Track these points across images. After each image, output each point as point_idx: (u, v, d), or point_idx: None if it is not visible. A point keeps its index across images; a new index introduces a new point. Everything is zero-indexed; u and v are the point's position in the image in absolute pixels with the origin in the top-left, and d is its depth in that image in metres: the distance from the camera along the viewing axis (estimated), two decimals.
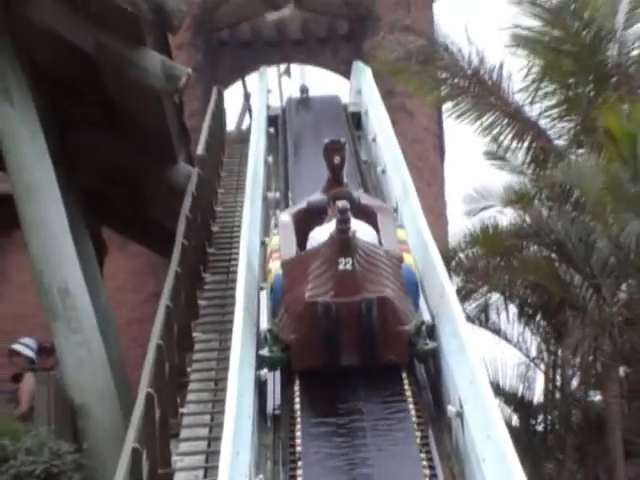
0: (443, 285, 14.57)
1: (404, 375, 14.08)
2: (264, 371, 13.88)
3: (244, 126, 30.52)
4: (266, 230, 18.05)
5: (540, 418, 25.16)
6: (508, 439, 10.86)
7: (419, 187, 19.26)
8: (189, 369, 16.34)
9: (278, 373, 14.26)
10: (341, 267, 13.73)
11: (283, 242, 15.62)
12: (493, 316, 24.67)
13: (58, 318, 17.49)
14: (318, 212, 15.46)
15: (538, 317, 24.36)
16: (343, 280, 13.76)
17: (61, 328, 17.49)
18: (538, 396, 25.20)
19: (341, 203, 13.61)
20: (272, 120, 26.30)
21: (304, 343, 13.98)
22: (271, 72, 32.67)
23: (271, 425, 13.50)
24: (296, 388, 13.95)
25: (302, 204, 16.55)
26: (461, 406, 12.40)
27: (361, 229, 14.39)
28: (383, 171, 20.60)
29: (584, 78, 23.95)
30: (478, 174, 25.44)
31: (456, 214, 25.97)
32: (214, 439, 13.59)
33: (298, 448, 12.72)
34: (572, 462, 23.95)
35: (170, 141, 21.20)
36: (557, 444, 24.17)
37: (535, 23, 24.40)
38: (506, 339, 24.82)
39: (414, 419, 13.20)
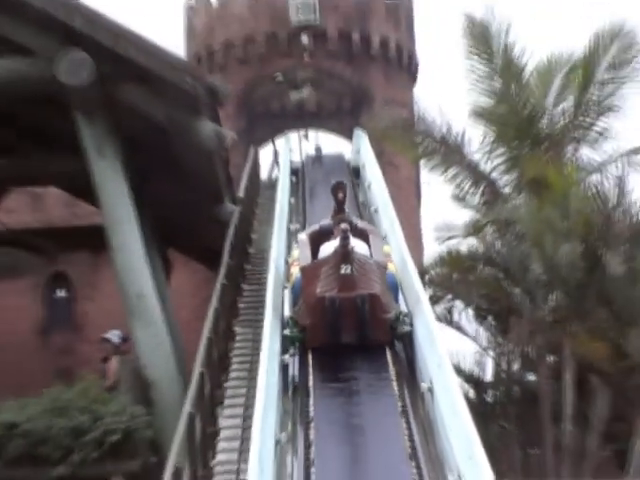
0: (418, 293, 14.63)
1: (388, 351, 14.44)
2: (287, 356, 14.14)
3: (273, 176, 30.41)
4: (289, 252, 17.95)
5: (490, 393, 25.08)
6: (465, 408, 10.87)
7: (402, 221, 19.23)
8: (231, 354, 16.32)
9: (297, 361, 14.39)
10: (342, 272, 14.29)
11: (301, 254, 16.11)
12: (456, 317, 24.59)
13: (135, 316, 17.54)
14: (327, 233, 15.91)
15: (489, 318, 24.30)
16: (344, 281, 14.32)
17: (137, 323, 17.55)
18: (489, 376, 25.10)
19: (343, 226, 14.45)
20: (294, 171, 26.42)
21: (316, 326, 14.46)
22: (293, 136, 32.69)
23: (291, 395, 13.64)
24: (309, 360, 14.30)
25: (315, 227, 16.84)
26: (431, 383, 12.39)
27: (357, 245, 14.88)
28: (375, 210, 20.60)
29: (523, 144, 23.91)
30: (445, 211, 25.44)
31: (429, 241, 25.92)
32: (249, 406, 13.54)
33: (311, 408, 12.92)
34: (513, 426, 23.88)
35: (219, 186, 21.19)
36: (502, 412, 24.08)
37: (488, 102, 24.39)
38: (465, 334, 24.73)
39: (394, 383, 13.52)
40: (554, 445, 21.97)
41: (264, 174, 31.68)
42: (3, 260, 22.80)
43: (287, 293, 15.98)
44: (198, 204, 21.75)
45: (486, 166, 24.38)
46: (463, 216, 24.28)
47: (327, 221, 16.50)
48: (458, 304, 24.28)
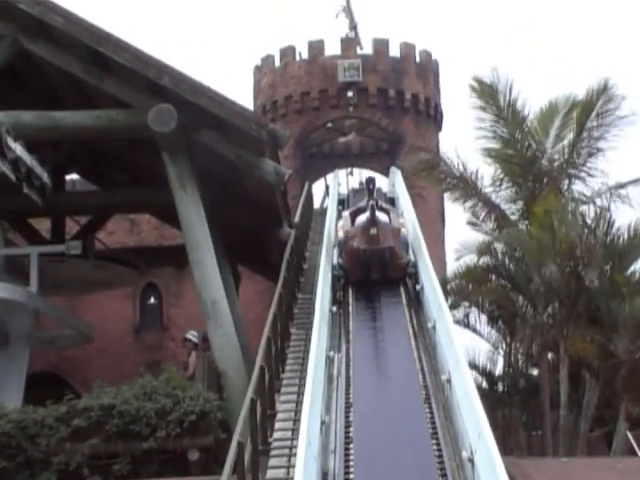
0: (440, 301, 14.61)
1: (401, 285, 17.83)
2: (334, 307, 16.91)
3: (324, 205, 30.38)
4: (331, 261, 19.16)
5: (500, 384, 24.89)
6: (477, 396, 10.80)
7: (428, 242, 19.25)
8: (287, 351, 16.28)
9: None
10: (370, 232, 17.74)
11: (344, 223, 19.53)
12: (472, 321, 24.45)
13: (210, 318, 17.53)
14: (361, 210, 18.76)
15: (499, 322, 24.14)
16: (371, 239, 17.74)
17: (211, 324, 17.53)
18: (499, 370, 24.94)
19: (371, 202, 17.85)
20: (340, 201, 26.34)
21: (353, 267, 17.98)
22: (341, 173, 32.75)
23: (337, 309, 16.89)
24: (350, 289, 17.76)
25: (354, 207, 20.20)
26: (449, 375, 12.34)
27: (380, 216, 18.19)
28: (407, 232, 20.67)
29: (526, 179, 23.79)
30: (464, 234, 25.39)
31: (451, 259, 25.84)
32: (301, 393, 13.45)
33: (350, 317, 16.47)
34: (519, 411, 23.71)
35: (278, 213, 21.17)
36: (510, 400, 23.91)
37: (496, 145, 24.34)
38: (480, 335, 24.58)
39: (405, 306, 16.86)
40: (553, 427, 21.76)
41: (316, 204, 31.68)
42: (105, 274, 22.88)
43: (336, 249, 19.13)
44: (261, 228, 21.77)
45: (496, 198, 24.26)
46: (477, 238, 24.21)
47: (362, 203, 19.31)
48: (474, 310, 24.15)
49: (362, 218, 18.23)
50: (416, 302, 16.93)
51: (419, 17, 67.51)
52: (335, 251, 19.07)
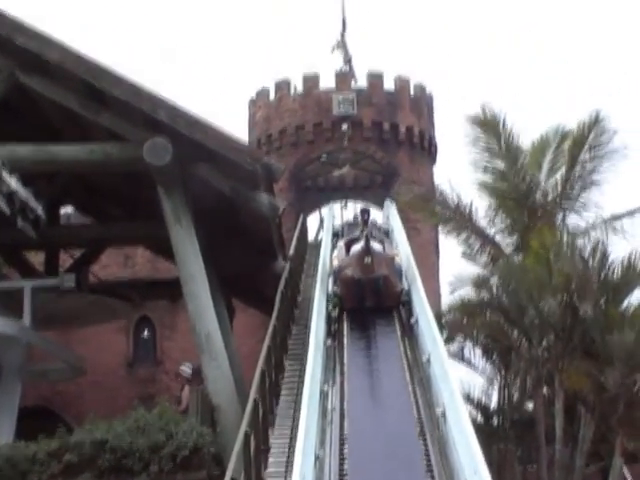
0: (434, 334, 14.62)
1: (394, 313, 18.23)
2: (332, 313, 18.03)
3: (319, 238, 30.39)
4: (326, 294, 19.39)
5: (495, 418, 24.78)
6: (472, 430, 10.77)
7: (423, 275, 19.34)
8: (281, 384, 16.25)
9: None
10: (365, 261, 18.16)
11: (339, 252, 20.17)
12: (467, 354, 24.35)
13: (204, 351, 17.49)
14: (355, 240, 19.44)
15: (494, 355, 24.07)
16: (366, 268, 18.15)
17: (205, 358, 17.49)
18: (494, 404, 24.80)
19: (365, 232, 18.58)
20: (335, 234, 26.35)
21: (348, 295, 18.37)
22: (335, 206, 32.73)
23: (331, 342, 17.22)
24: (344, 316, 18.16)
25: (348, 237, 20.94)
26: (444, 408, 12.31)
27: (374, 245, 18.74)
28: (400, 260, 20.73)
29: (521, 212, 23.84)
30: (459, 266, 25.38)
31: (446, 292, 25.79)
32: (295, 427, 13.42)
33: (345, 344, 16.80)
34: (514, 445, 23.59)
35: (273, 246, 21.19)
36: (505, 434, 23.77)
37: (491, 179, 24.37)
38: (475, 369, 24.49)
39: (398, 330, 17.38)
40: (548, 462, 21.65)
41: (311, 237, 31.69)
42: (98, 307, 22.85)
43: (331, 278, 19.73)
44: (256, 260, 21.77)
45: (491, 230, 24.28)
46: (472, 270, 24.17)
47: (356, 233, 20.24)
48: (468, 343, 24.07)
49: (357, 247, 18.79)
50: (410, 332, 17.13)
51: (414, 49, 67.88)
52: (330, 280, 19.65)
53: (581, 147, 23.67)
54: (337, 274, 19.15)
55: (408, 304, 18.02)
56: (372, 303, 18.24)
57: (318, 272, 20.52)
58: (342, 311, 18.37)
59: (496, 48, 64.31)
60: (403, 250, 21.33)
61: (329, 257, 21.48)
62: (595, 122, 23.75)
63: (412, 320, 17.30)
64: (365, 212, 20.09)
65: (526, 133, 24.55)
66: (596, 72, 68.36)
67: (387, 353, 16.22)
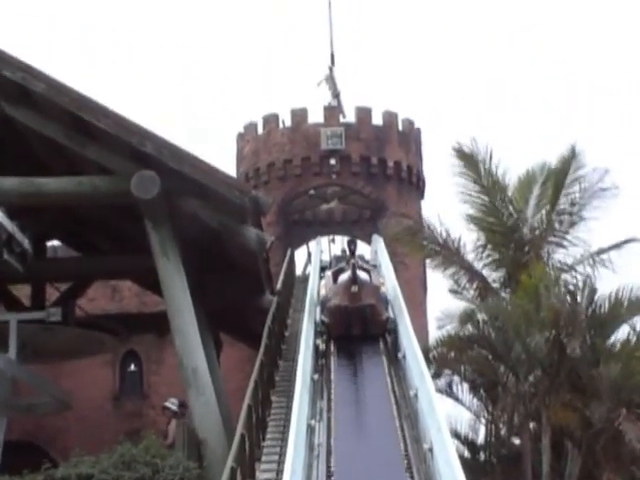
0: (422, 369, 14.60)
1: (380, 340, 18.68)
2: (319, 341, 18.39)
3: (307, 272, 30.40)
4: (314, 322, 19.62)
5: (482, 453, 24.72)
6: (459, 465, 10.74)
7: (410, 309, 19.34)
8: (268, 419, 16.20)
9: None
10: (352, 290, 18.67)
11: (327, 282, 20.52)
12: (454, 389, 24.30)
13: (191, 386, 17.40)
14: (343, 269, 19.85)
15: (481, 391, 24.04)
16: (353, 296, 18.67)
17: (192, 392, 17.40)
18: (481, 439, 24.77)
19: (353, 261, 19.03)
20: (322, 268, 26.34)
21: (335, 324, 18.78)
22: (323, 240, 32.75)
23: (320, 365, 17.58)
24: (331, 344, 18.56)
25: (336, 268, 21.30)
26: (431, 444, 12.27)
27: (361, 275, 19.18)
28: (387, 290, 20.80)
29: (508, 247, 23.91)
30: (446, 301, 25.44)
31: (433, 327, 25.79)
32: (281, 462, 13.38)
33: (332, 371, 17.10)
34: None
35: (260, 280, 21.16)
36: (491, 469, 23.73)
37: (478, 213, 24.45)
38: (462, 404, 24.44)
39: (384, 357, 17.81)
40: None
41: (299, 271, 31.69)
42: (85, 340, 22.75)
43: (318, 308, 19.92)
44: (243, 295, 21.72)
45: (479, 265, 24.34)
46: (459, 306, 24.19)
47: (343, 263, 20.71)
48: (455, 378, 24.05)
49: (344, 277, 19.36)
50: (396, 364, 17.31)
51: (402, 83, 68.22)
52: (318, 309, 19.97)
53: (563, 181, 23.83)
54: (325, 303, 19.53)
55: (394, 332, 18.44)
56: (359, 331, 18.72)
57: (306, 304, 20.51)
58: (330, 339, 18.80)
59: (496, 49, 64.28)
60: (390, 284, 21.39)
61: (316, 293, 21.52)
62: (572, 156, 23.93)
63: (400, 355, 17.32)
64: (352, 242, 20.32)
65: (517, 166, 24.75)
66: (596, 72, 68.75)
67: (374, 388, 16.17)
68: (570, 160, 23.90)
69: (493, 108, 73.88)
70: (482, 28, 76.00)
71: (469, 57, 78.04)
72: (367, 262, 24.96)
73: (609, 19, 74.15)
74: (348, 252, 20.25)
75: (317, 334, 18.69)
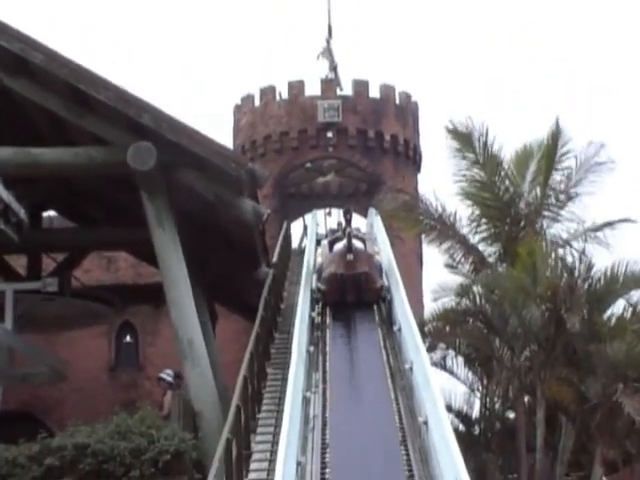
0: (417, 344, 14.61)
1: (375, 307, 19.14)
2: (314, 313, 18.80)
3: (302, 245, 30.41)
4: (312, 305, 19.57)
5: (476, 427, 24.82)
6: (454, 439, 10.78)
7: (406, 284, 19.33)
8: (263, 391, 16.24)
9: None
10: (347, 259, 19.33)
11: (323, 250, 21.53)
12: (449, 363, 24.37)
13: (186, 358, 17.40)
14: (339, 238, 20.94)
15: (476, 364, 24.11)
16: (348, 264, 19.28)
17: (188, 364, 17.39)
18: (476, 413, 24.86)
19: (348, 230, 19.76)
20: (318, 241, 26.34)
21: (330, 291, 19.40)
22: (319, 213, 32.72)
23: (317, 331, 18.12)
24: (327, 310, 19.08)
25: (333, 236, 22.26)
26: (426, 418, 12.32)
27: (356, 243, 20.11)
28: (385, 274, 20.74)
29: (504, 222, 23.89)
30: (442, 276, 25.42)
31: (429, 300, 25.81)
32: (277, 434, 13.42)
33: (328, 337, 17.63)
34: (495, 455, 23.65)
35: (256, 253, 21.14)
36: (486, 443, 23.84)
37: (474, 188, 24.38)
38: (457, 377, 24.52)
39: (377, 324, 18.25)
40: (529, 471, 21.71)
41: (295, 244, 31.70)
42: (81, 311, 22.79)
43: (314, 276, 20.59)
44: (239, 267, 21.74)
45: (474, 239, 24.33)
46: (455, 280, 24.21)
47: (339, 233, 21.59)
48: (450, 352, 24.10)
49: (339, 245, 20.31)
50: (391, 336, 17.54)
51: (400, 57, 68.04)
52: (314, 277, 20.57)
53: (554, 155, 23.81)
54: (321, 270, 20.14)
55: (388, 302, 18.88)
56: (353, 298, 19.25)
57: (302, 277, 20.55)
58: (325, 306, 19.39)
59: (496, 46, 64.31)
60: (385, 255, 21.58)
61: (313, 258, 21.69)
62: (557, 131, 23.88)
63: (395, 327, 17.40)
64: (348, 212, 20.65)
65: (515, 140, 24.66)
66: (596, 70, 68.62)
67: (370, 360, 16.23)
68: (557, 134, 23.85)
69: (490, 89, 73.68)
70: (483, 6, 75.95)
71: (468, 30, 77.98)
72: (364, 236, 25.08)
73: (608, 17, 74.16)
74: (344, 221, 20.67)
75: (313, 302, 19.18)
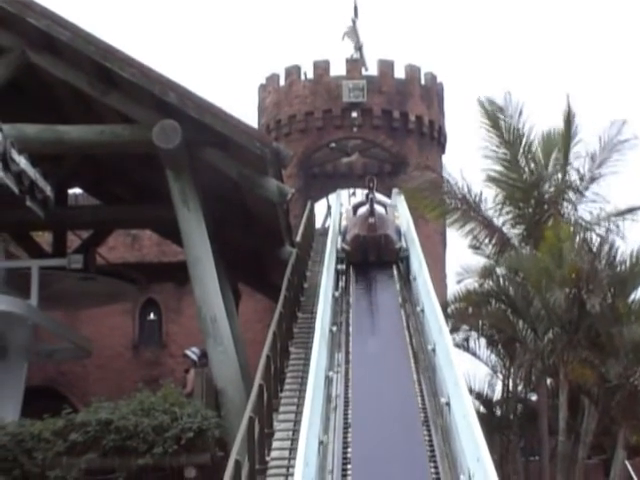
0: (440, 324, 14.53)
1: (394, 266, 20.67)
2: (340, 266, 20.32)
3: (326, 225, 30.40)
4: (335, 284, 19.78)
5: (498, 409, 24.80)
6: (476, 419, 10.75)
7: (429, 264, 19.20)
8: (286, 370, 16.26)
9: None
10: (369, 221, 20.88)
11: (347, 214, 23.16)
12: (472, 344, 24.36)
13: (209, 336, 17.49)
14: (362, 204, 22.32)
15: (498, 346, 24.06)
16: (370, 227, 20.86)
17: (211, 342, 17.48)
18: (497, 395, 24.85)
19: (371, 196, 21.16)
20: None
21: (354, 251, 20.93)
22: (343, 193, 32.65)
23: (341, 287, 19.47)
24: (351, 269, 20.61)
25: (356, 201, 24.50)
26: (449, 398, 12.29)
27: (378, 208, 21.72)
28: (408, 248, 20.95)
29: (528, 204, 23.78)
30: (465, 257, 25.38)
31: (452, 282, 25.78)
32: (299, 413, 13.41)
33: (351, 291, 19.24)
34: (517, 437, 23.62)
35: (280, 232, 21.19)
36: (508, 426, 23.81)
37: (500, 169, 24.27)
38: (479, 359, 24.50)
39: (396, 280, 19.85)
40: (550, 454, 21.70)
41: (318, 224, 31.68)
42: (105, 288, 22.88)
43: (339, 237, 22.05)
44: (263, 246, 21.80)
45: (498, 221, 24.23)
46: (479, 261, 24.15)
47: (363, 198, 22.79)
48: (473, 334, 24.07)
49: (363, 209, 21.80)
50: (408, 286, 19.30)
51: (426, 37, 67.71)
52: (339, 238, 22.09)
53: (572, 141, 23.65)
54: (345, 232, 21.82)
55: (406, 259, 20.56)
56: (374, 257, 20.86)
57: (325, 260, 20.56)
58: (349, 264, 20.87)
59: (522, 29, 63.60)
60: (405, 219, 23.34)
61: (335, 249, 21.91)
62: (569, 111, 23.68)
63: (411, 277, 19.25)
64: (371, 180, 21.70)
65: (542, 123, 24.45)
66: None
67: (393, 341, 16.21)
68: (569, 114, 23.67)
69: (518, 67, 73.15)
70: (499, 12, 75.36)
71: (495, 8, 77.37)
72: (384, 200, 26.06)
73: (611, 16, 73.39)
74: (367, 188, 21.88)
75: (337, 260, 20.63)
